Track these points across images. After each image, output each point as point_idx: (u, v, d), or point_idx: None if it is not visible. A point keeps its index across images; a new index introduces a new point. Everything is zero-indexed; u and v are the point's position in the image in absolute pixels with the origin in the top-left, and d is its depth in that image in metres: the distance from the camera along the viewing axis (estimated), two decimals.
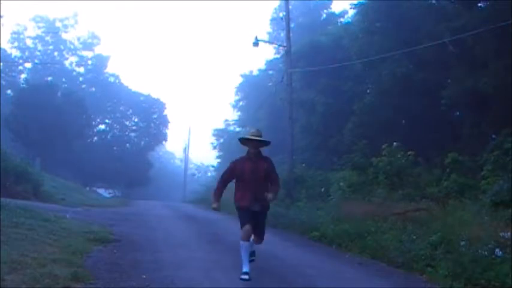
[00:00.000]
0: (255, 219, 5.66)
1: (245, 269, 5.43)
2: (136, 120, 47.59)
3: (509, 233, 6.81)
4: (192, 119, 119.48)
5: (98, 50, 47.05)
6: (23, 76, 43.05)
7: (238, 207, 5.79)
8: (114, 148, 45.52)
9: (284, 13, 20.55)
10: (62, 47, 45.44)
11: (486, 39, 13.06)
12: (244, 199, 5.70)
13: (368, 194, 12.18)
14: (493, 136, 13.59)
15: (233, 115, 42.32)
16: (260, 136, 5.82)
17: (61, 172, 31.92)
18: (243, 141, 5.95)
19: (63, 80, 42.91)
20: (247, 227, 5.57)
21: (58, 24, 45.22)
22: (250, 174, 5.67)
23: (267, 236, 6.25)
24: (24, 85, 37.22)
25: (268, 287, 5.51)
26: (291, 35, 19.17)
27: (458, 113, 17.37)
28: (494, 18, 12.23)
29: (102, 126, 46.82)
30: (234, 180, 5.96)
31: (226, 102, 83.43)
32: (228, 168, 5.98)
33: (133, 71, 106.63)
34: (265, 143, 5.92)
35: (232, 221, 13.98)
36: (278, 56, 30.70)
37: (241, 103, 40.69)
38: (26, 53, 44.30)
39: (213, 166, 46.52)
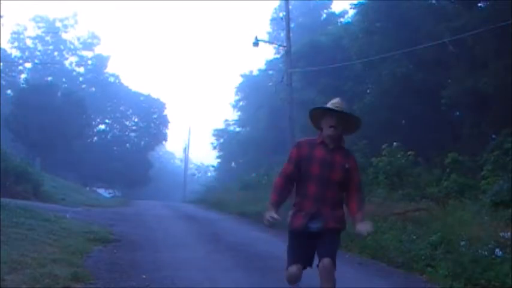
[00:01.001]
0: (312, 245, 3.47)
1: None
2: (136, 120, 47.60)
3: (509, 233, 6.81)
4: (192, 119, 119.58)
5: (98, 50, 47.12)
6: (23, 76, 43.07)
7: (289, 227, 3.60)
8: (114, 148, 45.53)
9: (284, 13, 20.54)
10: (62, 47, 45.45)
11: (486, 39, 13.07)
12: (299, 213, 3.49)
13: (368, 194, 12.18)
14: (493, 136, 13.60)
15: (233, 115, 42.39)
16: (347, 110, 3.53)
17: (61, 172, 31.91)
18: (317, 114, 3.56)
19: (63, 80, 42.91)
20: (294, 269, 3.43)
21: (58, 24, 45.23)
22: (320, 169, 3.42)
23: (266, 236, 6.15)
24: (24, 85, 37.22)
25: (268, 287, 5.50)
26: (291, 35, 19.17)
27: (458, 113, 17.39)
28: (494, 18, 12.23)
29: (102, 126, 46.84)
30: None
31: (226, 102, 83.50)
32: (290, 154, 3.60)
33: (134, 71, 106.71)
34: (356, 122, 3.60)
35: (232, 221, 14.00)
36: (278, 56, 30.71)
37: (241, 103, 40.72)
38: (26, 53, 44.30)
39: (213, 166, 46.56)
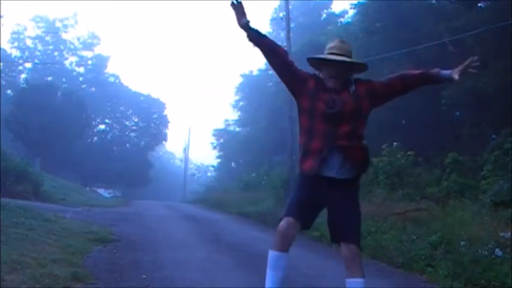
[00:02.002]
0: (320, 204, 3.02)
1: None
2: (136, 120, 47.63)
3: (509, 233, 6.81)
4: (192, 119, 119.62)
5: (98, 50, 47.22)
6: (23, 76, 43.13)
7: (300, 173, 3.12)
8: (114, 148, 45.56)
9: (284, 13, 20.58)
10: (62, 47, 45.49)
11: (486, 39, 13.07)
12: (308, 154, 2.97)
13: (368, 194, 12.18)
14: (493, 136, 13.60)
15: (233, 115, 42.37)
16: (349, 54, 3.05)
17: (61, 172, 31.92)
18: (315, 62, 3.18)
19: (63, 80, 42.96)
20: (289, 221, 2.95)
21: (58, 24, 45.27)
22: (326, 104, 2.94)
23: (267, 236, 6.13)
24: (24, 85, 37.27)
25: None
26: (291, 35, 19.19)
27: (458, 113, 17.38)
28: (494, 18, 12.24)
29: (102, 126, 46.89)
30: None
31: (226, 102, 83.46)
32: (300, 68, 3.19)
33: (134, 71, 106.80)
34: (359, 67, 3.15)
35: (232, 221, 14.00)
36: None
37: (241, 103, 40.72)
38: (26, 53, 44.34)
39: (213, 166, 46.56)
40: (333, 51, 3.04)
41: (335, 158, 2.90)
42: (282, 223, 2.96)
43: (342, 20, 28.99)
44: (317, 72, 3.15)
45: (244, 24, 3.08)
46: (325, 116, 2.92)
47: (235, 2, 3.09)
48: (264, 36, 3.14)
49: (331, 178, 2.91)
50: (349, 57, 3.04)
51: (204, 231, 10.51)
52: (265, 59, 3.24)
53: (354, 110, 2.95)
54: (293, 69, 3.13)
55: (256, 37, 3.09)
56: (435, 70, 2.99)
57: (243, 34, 3.14)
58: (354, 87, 2.99)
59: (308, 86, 3.03)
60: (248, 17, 3.09)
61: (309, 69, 3.28)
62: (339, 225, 2.93)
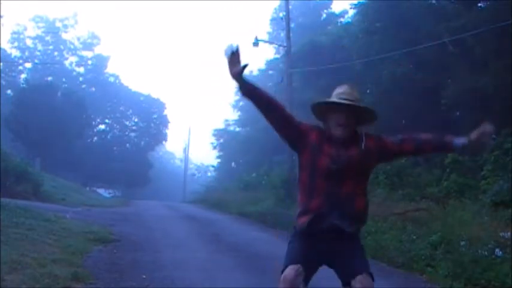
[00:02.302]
0: (319, 261, 2.77)
1: None
2: (136, 120, 47.61)
3: (509, 233, 6.81)
4: (192, 119, 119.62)
5: (98, 50, 47.13)
6: (23, 76, 43.10)
7: (295, 228, 2.80)
8: (114, 148, 45.54)
9: (284, 13, 20.57)
10: (62, 47, 45.46)
11: (486, 39, 13.07)
12: (306, 213, 2.72)
13: (368, 194, 12.17)
14: (493, 136, 13.59)
15: (233, 115, 42.38)
16: (357, 101, 2.79)
17: (61, 172, 31.91)
18: (321, 108, 2.84)
19: (63, 80, 42.93)
20: (296, 268, 2.60)
21: (58, 24, 45.24)
22: (329, 160, 2.68)
23: (267, 236, 6.12)
24: (24, 85, 37.24)
25: (269, 287, 5.51)
26: (291, 35, 19.19)
27: (458, 113, 17.38)
28: (494, 18, 12.24)
29: (102, 126, 46.85)
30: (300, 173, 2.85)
31: (226, 102, 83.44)
32: (300, 121, 2.82)
33: (134, 71, 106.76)
34: (370, 116, 2.91)
35: (232, 221, 14.00)
36: (278, 56, 30.71)
37: (241, 103, 40.66)
38: (26, 53, 44.31)
39: (213, 166, 46.55)
40: (342, 96, 2.76)
41: (334, 214, 2.66)
42: (289, 271, 2.57)
43: (342, 20, 28.95)
44: (320, 124, 2.86)
45: (238, 75, 2.63)
46: (328, 173, 2.66)
47: (233, 49, 2.61)
48: (259, 88, 2.76)
49: (331, 229, 2.65)
50: (359, 104, 2.79)
51: (204, 231, 10.51)
52: (260, 113, 2.83)
53: (360, 166, 2.73)
54: (293, 122, 2.78)
55: (251, 90, 2.72)
56: (449, 139, 2.80)
57: (234, 83, 2.72)
58: (364, 143, 2.75)
59: (310, 139, 2.74)
60: (243, 63, 2.62)
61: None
62: (347, 265, 2.68)
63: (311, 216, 2.66)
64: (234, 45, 2.60)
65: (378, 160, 2.86)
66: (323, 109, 2.81)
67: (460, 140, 2.73)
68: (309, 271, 2.67)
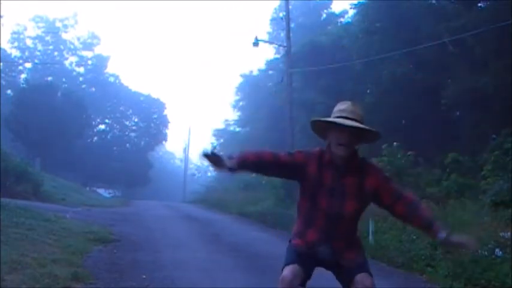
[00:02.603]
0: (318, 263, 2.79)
1: None
2: (136, 120, 47.61)
3: (509, 233, 6.81)
4: (192, 119, 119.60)
5: (98, 50, 47.11)
6: (23, 76, 43.10)
7: (291, 242, 2.85)
8: (114, 148, 45.53)
9: (284, 13, 20.57)
10: (62, 47, 45.46)
11: (486, 39, 13.07)
12: (305, 236, 2.77)
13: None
14: (493, 136, 13.60)
15: (233, 115, 42.38)
16: (361, 119, 2.66)
17: (61, 172, 31.92)
18: (321, 125, 2.77)
19: (63, 80, 42.92)
20: (294, 269, 2.63)
21: (58, 24, 45.24)
22: (328, 201, 2.67)
23: (267, 236, 6.11)
24: (24, 85, 37.24)
25: (269, 287, 5.51)
26: (291, 35, 19.19)
27: (458, 113, 17.39)
28: (494, 18, 12.24)
29: (102, 126, 46.84)
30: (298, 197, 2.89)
31: (226, 102, 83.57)
32: (295, 154, 2.78)
33: (134, 71, 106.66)
34: (373, 136, 2.78)
35: (232, 221, 14.00)
36: (278, 56, 30.71)
37: (241, 103, 40.71)
38: (26, 53, 44.31)
39: None
40: (343, 114, 2.65)
41: (327, 249, 2.71)
42: (286, 273, 2.61)
43: (342, 20, 28.94)
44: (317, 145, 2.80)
45: (223, 168, 2.62)
46: (326, 214, 2.67)
47: (208, 153, 2.59)
48: (243, 158, 2.66)
49: (324, 258, 2.72)
50: (362, 122, 2.65)
51: (204, 231, 10.52)
52: (258, 174, 2.88)
53: (355, 211, 2.71)
54: (287, 162, 2.72)
55: (239, 166, 2.66)
56: (436, 228, 2.67)
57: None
58: (364, 180, 2.67)
59: (309, 171, 2.69)
60: (226, 159, 2.59)
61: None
62: (347, 265, 2.71)
63: (305, 246, 2.72)
64: (208, 148, 2.63)
65: (371, 201, 2.76)
66: (323, 126, 2.74)
67: (441, 236, 2.62)
68: (308, 269, 2.72)
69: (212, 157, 2.60)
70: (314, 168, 2.68)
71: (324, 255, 2.71)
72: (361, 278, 2.63)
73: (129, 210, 16.11)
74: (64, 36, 45.63)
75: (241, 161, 2.64)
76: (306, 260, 2.69)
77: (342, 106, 2.71)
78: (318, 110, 21.57)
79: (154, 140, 47.57)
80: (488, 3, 15.12)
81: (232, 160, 2.61)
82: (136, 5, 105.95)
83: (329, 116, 2.72)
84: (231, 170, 2.62)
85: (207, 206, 20.35)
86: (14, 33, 43.60)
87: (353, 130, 2.60)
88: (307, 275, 2.71)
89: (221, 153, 2.60)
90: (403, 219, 2.75)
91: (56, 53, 45.23)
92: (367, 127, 2.65)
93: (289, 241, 2.86)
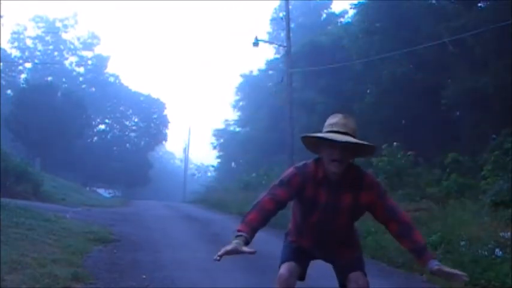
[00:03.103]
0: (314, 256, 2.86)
1: None
2: (136, 120, 47.60)
3: (509, 233, 6.81)
4: (192, 119, 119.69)
5: (98, 50, 47.11)
6: (23, 76, 43.07)
7: (287, 238, 2.92)
8: (114, 148, 45.52)
9: (284, 13, 20.57)
10: (62, 47, 45.45)
11: (486, 39, 13.08)
12: (299, 239, 2.82)
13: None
14: (493, 136, 13.61)
15: (233, 115, 42.41)
16: (353, 133, 2.55)
17: (61, 172, 31.90)
18: (313, 141, 2.65)
19: (63, 80, 42.92)
20: (290, 267, 2.69)
21: (58, 24, 45.23)
22: (320, 216, 2.64)
23: (267, 236, 6.10)
24: (24, 85, 37.22)
25: (269, 287, 5.50)
26: (291, 35, 19.19)
27: (458, 113, 17.39)
28: (494, 18, 12.25)
29: (102, 126, 46.83)
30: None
31: (226, 102, 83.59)
32: (289, 180, 2.65)
33: (134, 71, 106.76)
34: (368, 150, 2.66)
35: (232, 221, 13.98)
36: (278, 56, 30.75)
37: (241, 103, 40.74)
38: (26, 53, 44.30)
39: (213, 166, 46.58)
40: (335, 128, 2.52)
41: (323, 253, 2.79)
42: (282, 271, 2.64)
43: (342, 20, 28.95)
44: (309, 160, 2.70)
45: (242, 251, 2.51)
46: (317, 227, 2.67)
47: (219, 258, 2.54)
48: (253, 228, 2.56)
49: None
50: (354, 136, 2.52)
51: (204, 231, 10.51)
52: None
53: (347, 223, 2.69)
54: (289, 198, 2.66)
55: (254, 235, 2.58)
56: (427, 257, 2.54)
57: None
58: (359, 194, 2.60)
59: (306, 194, 2.63)
60: (238, 245, 2.48)
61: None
62: (343, 263, 2.73)
63: (301, 248, 2.76)
64: (216, 256, 2.52)
65: (365, 211, 2.71)
66: (314, 141, 2.62)
67: (433, 265, 2.51)
68: (306, 261, 2.77)
69: (227, 254, 2.49)
70: (310, 190, 2.61)
71: (319, 256, 2.78)
72: (355, 277, 2.63)
73: (129, 210, 16.10)
74: (64, 36, 45.66)
75: (251, 232, 2.54)
76: (302, 253, 2.73)
77: (333, 120, 2.59)
78: (318, 110, 21.62)
79: (154, 140, 47.56)
80: (488, 3, 15.13)
81: (243, 237, 2.50)
82: (136, 5, 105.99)
83: (321, 131, 2.60)
84: (247, 244, 2.52)
85: (207, 206, 20.33)
86: (14, 33, 43.61)
87: (346, 145, 2.48)
88: (304, 267, 2.76)
89: (229, 246, 2.48)
90: (395, 238, 2.68)
91: (56, 53, 45.22)
92: (360, 141, 2.52)
93: (286, 235, 2.88)
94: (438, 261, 2.55)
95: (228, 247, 2.45)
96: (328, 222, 2.63)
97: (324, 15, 32.36)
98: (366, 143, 2.56)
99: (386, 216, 2.63)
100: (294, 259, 2.66)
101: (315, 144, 2.63)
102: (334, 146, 2.49)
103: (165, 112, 48.01)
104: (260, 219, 2.58)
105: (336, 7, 70.43)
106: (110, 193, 42.82)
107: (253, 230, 2.53)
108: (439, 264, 2.51)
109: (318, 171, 2.62)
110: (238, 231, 2.52)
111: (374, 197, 2.61)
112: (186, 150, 52.34)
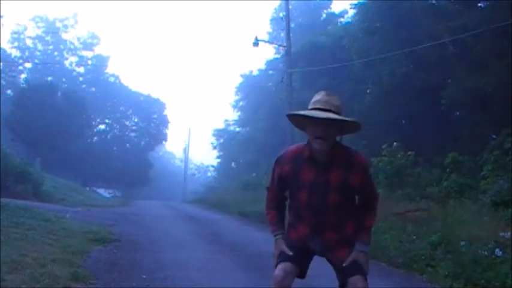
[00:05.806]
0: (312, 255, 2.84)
1: None
2: (136, 120, 47.59)
3: (509, 233, 6.81)
4: (192, 119, 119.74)
5: (98, 50, 47.13)
6: (23, 76, 43.04)
7: (285, 235, 2.86)
8: (114, 148, 45.50)
9: (284, 13, 20.59)
10: (62, 47, 45.44)
11: (486, 39, 13.09)
12: (296, 228, 2.78)
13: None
14: (493, 136, 13.61)
15: (233, 115, 42.41)
16: (337, 110, 2.52)
17: (61, 172, 31.90)
18: (298, 119, 2.67)
19: (63, 80, 42.90)
20: (285, 267, 2.65)
21: (58, 24, 45.21)
22: (309, 196, 2.62)
23: (267, 236, 6.09)
24: (24, 85, 37.20)
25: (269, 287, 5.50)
26: (291, 35, 19.23)
27: (458, 113, 17.38)
28: (494, 18, 12.25)
29: (102, 126, 46.82)
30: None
31: (226, 102, 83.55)
32: (272, 172, 2.79)
33: (134, 71, 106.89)
34: (352, 127, 2.64)
35: (232, 221, 13.99)
36: (278, 56, 30.75)
37: (241, 103, 40.74)
38: (26, 53, 44.27)
39: (213, 166, 46.59)
40: (317, 106, 2.52)
41: (319, 243, 2.73)
42: (278, 271, 2.62)
43: (342, 20, 28.94)
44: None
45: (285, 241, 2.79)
46: (308, 206, 2.66)
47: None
48: (277, 220, 2.86)
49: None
50: (338, 112, 2.50)
51: (204, 231, 10.51)
52: None
53: (340, 202, 2.62)
54: (280, 188, 2.79)
55: (283, 224, 2.87)
56: (360, 237, 2.73)
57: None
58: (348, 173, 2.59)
59: (283, 173, 2.72)
60: (281, 246, 2.75)
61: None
62: (341, 268, 2.70)
63: (298, 239, 2.75)
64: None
65: (354, 192, 2.73)
66: (300, 120, 2.63)
67: (356, 247, 2.72)
68: (305, 262, 2.75)
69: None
70: (288, 169, 2.65)
71: (315, 250, 2.74)
72: (355, 281, 2.60)
73: (129, 210, 16.11)
74: (64, 36, 45.64)
75: (281, 227, 2.83)
76: (301, 250, 2.71)
77: (316, 97, 2.60)
78: None
79: (154, 140, 47.55)
80: (488, 3, 15.12)
81: (279, 232, 2.82)
82: (136, 5, 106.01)
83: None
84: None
85: (207, 206, 20.34)
86: (14, 33, 43.59)
87: (330, 122, 2.46)
88: (305, 264, 2.75)
89: (277, 250, 2.80)
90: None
91: (56, 53, 45.20)
92: (340, 117, 2.49)
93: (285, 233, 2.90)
94: (366, 244, 2.74)
95: (277, 251, 2.78)
96: (319, 202, 2.61)
97: (324, 15, 32.37)
98: (348, 119, 2.53)
99: (360, 200, 2.72)
100: (290, 259, 2.66)
101: (300, 123, 2.64)
102: (317, 123, 2.48)
103: (165, 112, 48.05)
104: (276, 213, 2.85)
105: (336, 7, 70.49)
106: (109, 193, 42.80)
107: (281, 224, 2.83)
108: (357, 251, 2.68)
109: (303, 150, 2.63)
110: (273, 232, 2.84)
111: (360, 179, 2.61)
112: (186, 150, 52.37)
